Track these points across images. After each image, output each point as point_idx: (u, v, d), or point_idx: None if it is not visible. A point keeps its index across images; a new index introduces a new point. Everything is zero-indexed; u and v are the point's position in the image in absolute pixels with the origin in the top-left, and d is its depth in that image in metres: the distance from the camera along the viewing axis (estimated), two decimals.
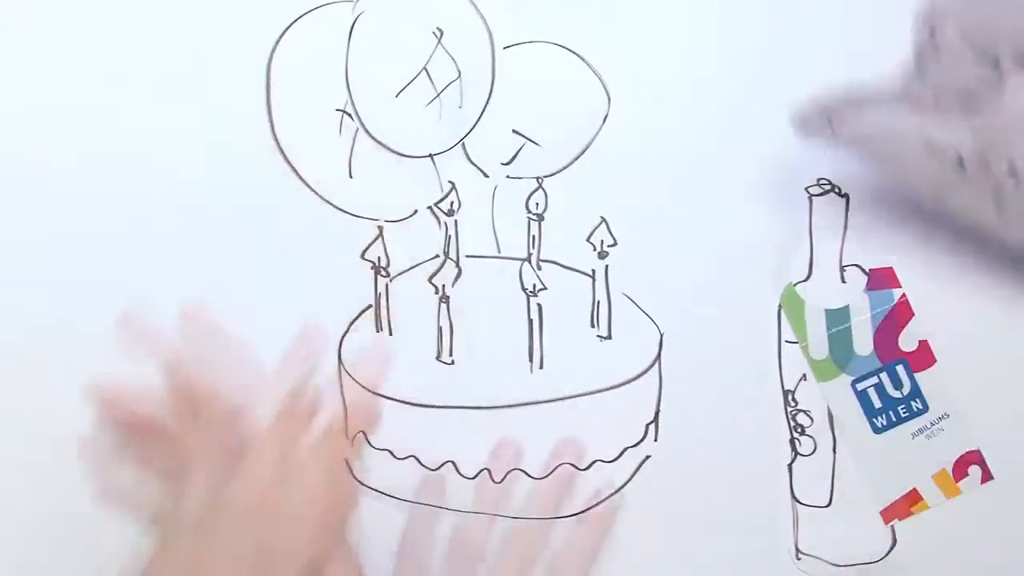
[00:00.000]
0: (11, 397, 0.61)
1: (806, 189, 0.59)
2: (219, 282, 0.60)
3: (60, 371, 0.60)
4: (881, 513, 0.59)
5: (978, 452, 0.59)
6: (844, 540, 0.60)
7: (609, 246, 0.60)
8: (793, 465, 0.60)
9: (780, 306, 0.60)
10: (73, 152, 0.60)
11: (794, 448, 0.60)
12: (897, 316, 0.59)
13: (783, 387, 0.60)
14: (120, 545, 0.58)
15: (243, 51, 0.59)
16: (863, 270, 0.59)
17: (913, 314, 0.59)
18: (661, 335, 0.60)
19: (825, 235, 0.59)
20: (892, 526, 0.60)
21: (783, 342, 0.60)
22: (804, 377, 0.60)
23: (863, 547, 0.60)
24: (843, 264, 0.59)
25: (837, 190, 0.58)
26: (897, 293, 0.59)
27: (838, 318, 0.59)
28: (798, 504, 0.60)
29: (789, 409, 0.60)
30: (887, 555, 0.60)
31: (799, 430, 0.60)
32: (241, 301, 0.60)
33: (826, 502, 0.60)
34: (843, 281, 0.59)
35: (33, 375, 0.61)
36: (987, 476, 0.59)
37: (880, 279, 0.59)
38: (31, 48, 0.60)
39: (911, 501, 0.59)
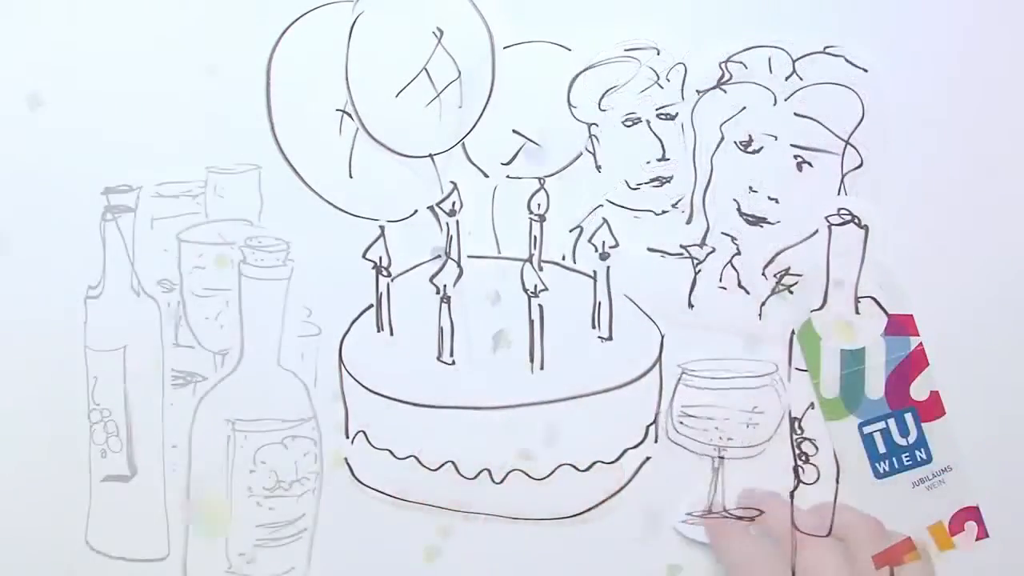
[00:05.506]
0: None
1: (825, 217, 0.58)
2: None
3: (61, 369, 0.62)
4: (873, 558, 0.59)
5: (976, 508, 0.59)
6: (840, 572, 0.59)
7: (611, 247, 0.60)
8: (795, 492, 0.60)
9: (793, 332, 0.59)
10: (72, 151, 0.60)
11: (797, 476, 0.60)
12: (912, 364, 0.59)
13: (790, 415, 0.60)
14: None
15: (243, 51, 0.59)
16: (878, 303, 0.59)
17: (928, 364, 0.59)
18: (662, 336, 0.60)
19: (841, 265, 0.59)
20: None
21: (793, 369, 0.59)
22: (811, 406, 0.60)
23: None
24: (858, 296, 0.59)
25: (857, 220, 0.58)
26: (914, 341, 0.59)
27: (853, 359, 0.59)
28: (797, 532, 0.60)
29: (795, 437, 0.60)
30: None
31: (803, 458, 0.60)
32: (242, 300, 0.61)
33: (826, 532, 0.59)
34: (857, 312, 0.59)
35: (33, 373, 0.62)
36: (983, 533, 0.59)
37: (899, 325, 0.59)
38: (30, 49, 0.60)
39: (904, 550, 0.59)
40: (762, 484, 0.60)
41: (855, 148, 0.57)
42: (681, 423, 0.59)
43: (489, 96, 0.59)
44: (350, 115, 0.59)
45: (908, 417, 0.59)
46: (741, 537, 0.60)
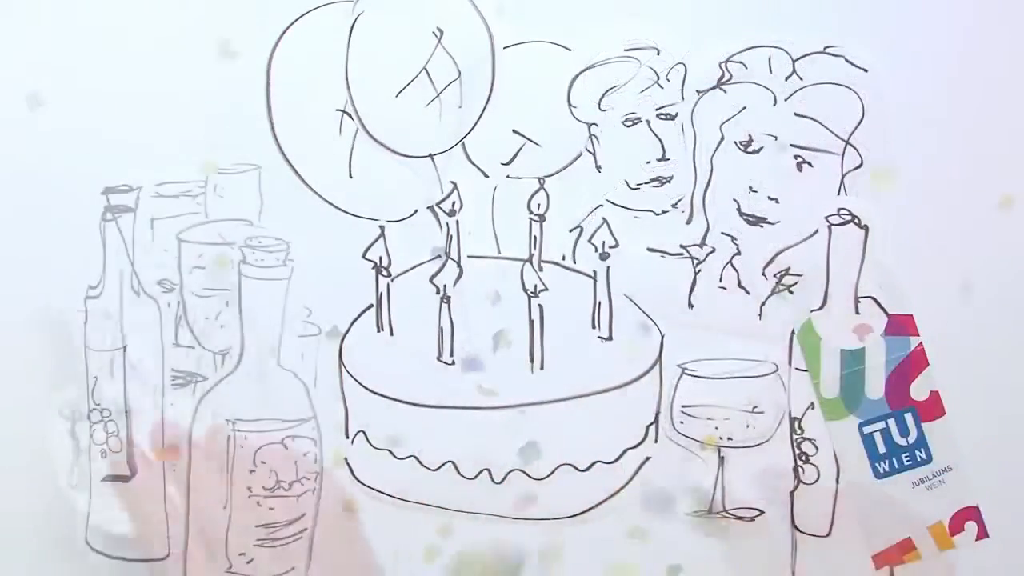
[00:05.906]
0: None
1: (825, 217, 0.58)
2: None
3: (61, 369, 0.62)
4: (873, 558, 0.59)
5: (976, 508, 0.59)
6: (841, 572, 0.60)
7: (611, 247, 0.60)
8: (795, 492, 0.60)
9: (793, 332, 0.59)
10: (72, 151, 0.60)
11: (797, 476, 0.60)
12: (912, 364, 0.59)
13: (790, 415, 0.60)
14: None
15: (243, 51, 0.59)
16: (878, 303, 0.59)
17: (928, 364, 0.59)
18: (662, 336, 0.60)
19: (841, 265, 0.59)
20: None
21: (793, 369, 0.60)
22: (812, 406, 0.60)
23: None
24: (858, 296, 0.59)
25: (856, 221, 0.58)
26: (914, 341, 0.59)
27: (853, 360, 0.59)
28: (797, 532, 0.60)
29: (795, 437, 0.60)
30: None
31: (803, 458, 0.60)
32: (242, 300, 0.61)
33: (826, 532, 0.60)
34: (857, 312, 0.59)
35: (33, 373, 0.62)
36: (983, 533, 0.59)
37: (899, 325, 0.59)
38: (30, 49, 0.60)
39: (904, 549, 0.59)
40: (762, 484, 0.60)
41: (855, 148, 0.58)
42: (681, 423, 0.59)
43: (489, 96, 0.59)
44: (350, 115, 0.59)
45: (908, 417, 0.59)
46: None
